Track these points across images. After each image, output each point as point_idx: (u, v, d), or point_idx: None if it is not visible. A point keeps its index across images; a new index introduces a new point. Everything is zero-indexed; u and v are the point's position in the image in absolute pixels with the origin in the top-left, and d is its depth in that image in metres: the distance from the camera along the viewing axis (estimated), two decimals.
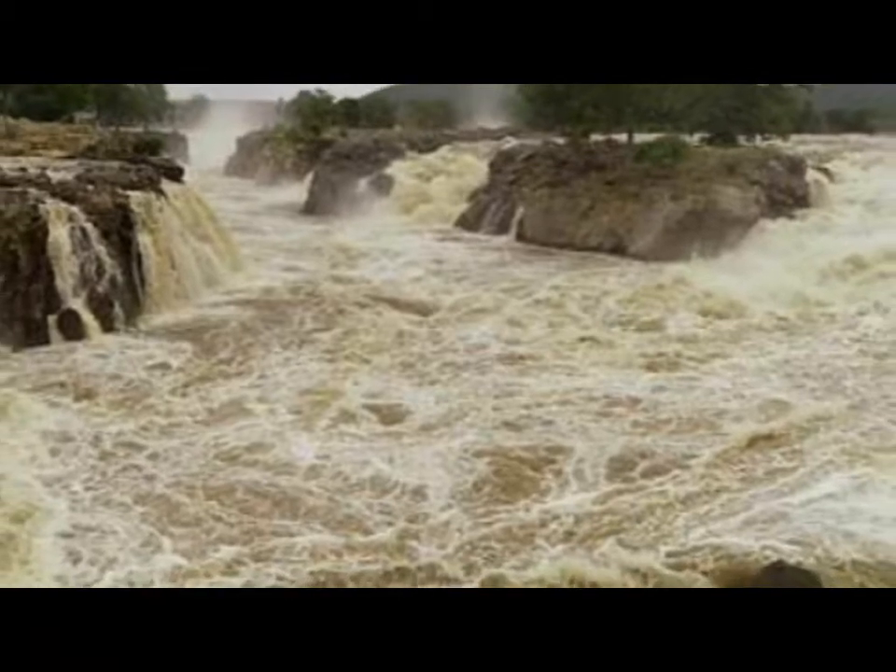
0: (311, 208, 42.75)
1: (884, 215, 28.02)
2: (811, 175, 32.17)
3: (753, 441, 12.82)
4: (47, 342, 17.57)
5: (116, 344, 17.84)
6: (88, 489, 11.16)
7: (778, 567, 8.84)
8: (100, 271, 18.98)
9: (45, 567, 9.10)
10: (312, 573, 9.10)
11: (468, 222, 36.05)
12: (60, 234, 18.32)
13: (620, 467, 12.04)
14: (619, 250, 29.98)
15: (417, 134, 52.05)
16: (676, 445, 12.79)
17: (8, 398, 13.75)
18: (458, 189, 39.44)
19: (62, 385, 15.11)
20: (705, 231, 27.70)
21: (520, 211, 33.81)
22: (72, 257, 18.43)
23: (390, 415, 14.04)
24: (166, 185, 23.20)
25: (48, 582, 8.81)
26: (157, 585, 8.84)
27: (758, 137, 39.39)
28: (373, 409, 14.24)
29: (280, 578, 8.97)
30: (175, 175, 25.08)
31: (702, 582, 8.89)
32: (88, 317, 18.24)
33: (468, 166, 41.01)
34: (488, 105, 74.02)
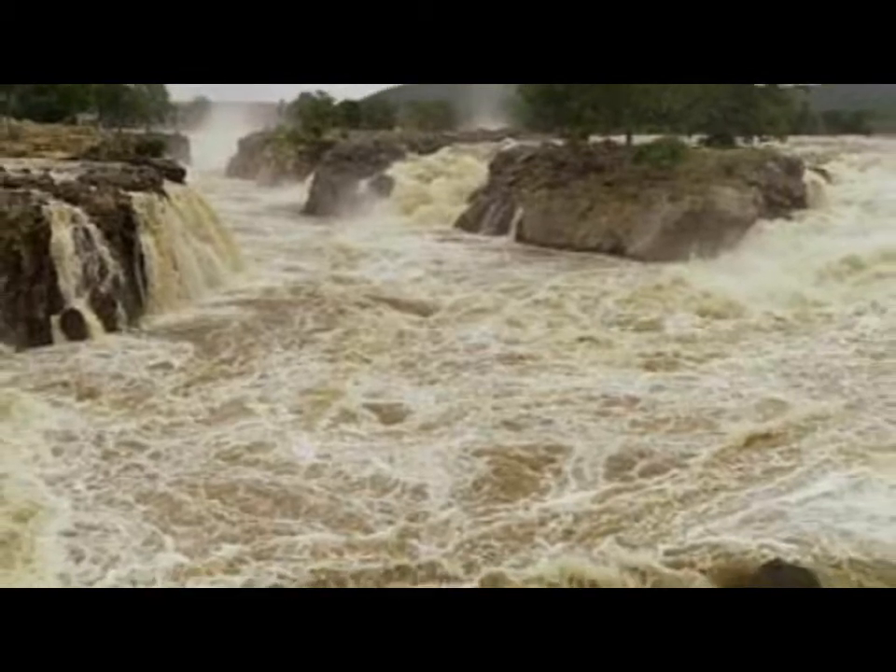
0: (312, 209, 42.76)
1: (881, 216, 28.02)
2: (808, 176, 32.17)
3: (751, 441, 12.82)
4: (50, 342, 17.57)
5: (118, 344, 17.84)
6: (90, 488, 11.16)
7: (776, 566, 8.84)
8: (103, 271, 18.99)
9: (48, 565, 9.10)
10: (313, 571, 9.10)
11: (467, 223, 36.05)
12: (63, 235, 18.32)
13: (618, 466, 12.04)
14: (617, 251, 29.98)
15: (417, 136, 52.04)
16: (674, 444, 12.80)
17: (11, 397, 13.76)
18: (458, 190, 39.43)
19: (64, 384, 15.11)
20: (703, 231, 27.70)
21: (519, 212, 33.81)
22: (75, 257, 18.44)
23: (390, 415, 14.04)
24: (168, 186, 23.20)
25: (50, 581, 8.81)
26: (159, 583, 8.84)
27: (756, 139, 39.42)
28: (374, 408, 14.24)
29: (281, 576, 8.97)
30: (177, 176, 25.09)
31: (700, 581, 8.88)
32: (90, 317, 18.25)
33: (467, 167, 41.00)
34: (488, 106, 74.01)
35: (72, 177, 21.27)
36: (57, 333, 17.74)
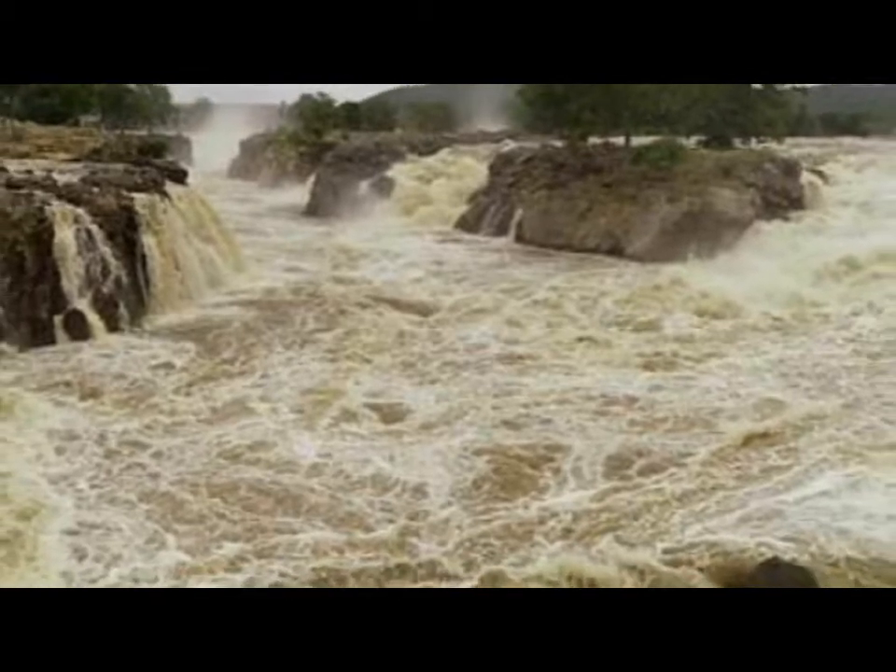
0: (313, 210, 42.75)
1: (877, 216, 28.02)
2: (806, 177, 32.17)
3: (749, 440, 12.82)
4: (52, 341, 17.57)
5: (121, 344, 17.84)
6: (93, 487, 11.16)
7: (773, 564, 8.84)
8: (105, 272, 18.99)
9: (51, 563, 9.10)
10: (314, 569, 9.10)
11: (467, 224, 36.04)
12: (65, 236, 18.32)
13: (617, 465, 12.04)
14: (616, 251, 29.97)
15: (418, 137, 52.04)
16: (672, 443, 12.79)
17: (15, 397, 13.76)
18: (458, 191, 39.42)
19: (67, 384, 15.11)
20: (701, 232, 27.69)
21: (519, 213, 33.80)
22: (77, 258, 18.44)
23: (391, 414, 14.03)
24: (170, 187, 23.20)
25: (54, 579, 8.81)
26: (161, 581, 8.84)
27: (753, 140, 39.39)
28: (374, 408, 14.24)
29: (283, 574, 8.97)
30: (179, 177, 25.08)
31: (698, 579, 8.88)
32: (93, 318, 18.26)
33: (467, 169, 40.98)
34: (488, 108, 74.07)
35: (75, 178, 21.28)
36: (60, 333, 17.75)
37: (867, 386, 15.47)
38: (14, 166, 23.45)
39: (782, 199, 30.38)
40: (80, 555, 9.34)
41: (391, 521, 10.38)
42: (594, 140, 37.16)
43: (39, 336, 17.43)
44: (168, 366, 16.47)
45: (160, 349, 17.57)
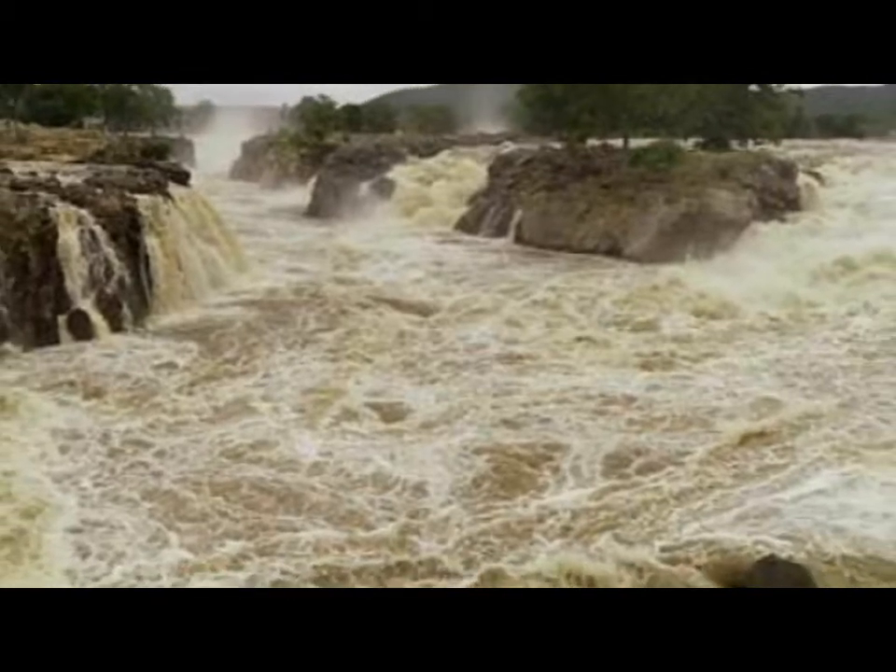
0: (314, 211, 42.74)
1: (873, 218, 28.03)
2: (802, 178, 32.19)
3: (745, 439, 12.82)
4: (56, 341, 17.57)
5: (124, 344, 17.84)
6: (96, 485, 11.16)
7: (770, 562, 8.84)
8: (108, 272, 18.99)
9: (55, 561, 9.10)
10: (315, 567, 9.10)
11: (467, 225, 36.03)
12: (69, 237, 18.32)
13: (615, 463, 12.04)
14: (614, 252, 29.95)
15: (418, 139, 52.06)
16: (670, 442, 12.79)
17: (19, 396, 13.75)
18: (458, 192, 39.41)
19: (71, 383, 15.11)
20: (698, 233, 27.68)
21: (518, 214, 33.79)
22: (81, 259, 18.44)
23: (391, 413, 14.03)
24: (173, 188, 23.19)
25: (57, 576, 8.81)
26: (164, 579, 8.84)
27: (750, 142, 39.41)
28: (375, 407, 14.24)
29: (284, 572, 8.97)
30: (182, 178, 25.08)
31: (696, 576, 8.88)
32: (97, 318, 18.26)
33: (467, 170, 40.98)
34: (487, 110, 74.07)
35: (78, 180, 21.29)
36: (64, 333, 17.75)
37: (863, 386, 15.47)
38: (18, 168, 23.48)
39: (779, 200, 30.39)
40: (84, 553, 9.35)
41: (392, 519, 10.38)
42: (592, 142, 37.19)
43: (43, 336, 17.43)
44: (171, 365, 16.47)
45: (162, 349, 17.56)
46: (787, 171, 31.83)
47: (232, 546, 9.55)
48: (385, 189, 40.89)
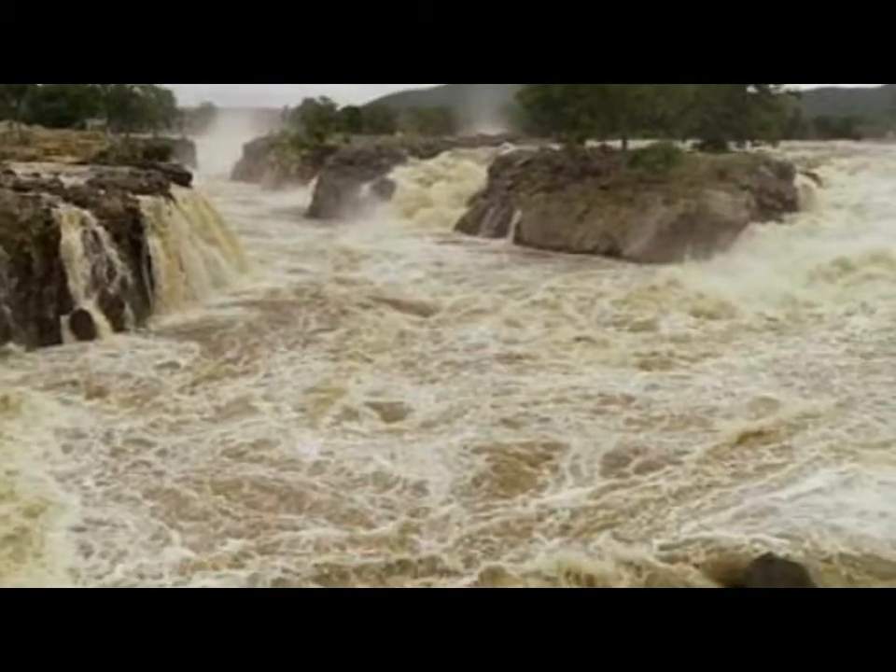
0: (315, 212, 42.73)
1: (870, 218, 28.03)
2: (800, 180, 32.17)
3: (743, 438, 12.82)
4: (59, 341, 17.58)
5: (126, 344, 17.84)
6: (99, 484, 11.16)
7: (768, 560, 8.84)
8: (111, 273, 19.00)
9: (58, 559, 9.10)
10: (316, 566, 9.09)
11: (467, 226, 36.03)
12: (72, 237, 18.33)
13: (614, 463, 12.04)
14: (613, 253, 29.95)
15: (418, 141, 52.01)
16: (668, 442, 12.79)
17: (22, 396, 13.75)
18: (458, 193, 39.42)
19: (74, 383, 15.11)
20: (696, 234, 27.68)
21: (517, 215, 33.78)
22: (84, 259, 18.44)
23: (392, 413, 14.03)
24: (175, 189, 23.19)
25: (60, 575, 8.81)
26: (166, 577, 8.84)
27: (748, 143, 39.37)
28: (376, 406, 14.24)
29: (285, 570, 8.97)
30: (184, 179, 25.07)
31: (694, 574, 8.88)
32: (99, 318, 18.27)
33: (467, 171, 40.99)
34: (487, 112, 73.99)
35: (81, 181, 21.29)
36: (66, 333, 17.76)
37: (860, 385, 15.47)
38: (21, 169, 23.46)
39: (776, 201, 30.38)
40: (87, 552, 9.35)
41: (392, 518, 10.38)
42: (591, 143, 37.16)
43: (46, 336, 17.44)
44: (173, 365, 16.47)
45: (165, 349, 17.57)
46: (784, 172, 31.83)
47: (234, 544, 9.55)
48: (386, 190, 40.90)
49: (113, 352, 17.22)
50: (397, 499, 10.94)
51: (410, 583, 8.86)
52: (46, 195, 19.07)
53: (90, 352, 17.12)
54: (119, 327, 18.65)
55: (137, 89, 55.41)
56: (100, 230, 18.99)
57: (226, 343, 18.12)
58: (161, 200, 21.58)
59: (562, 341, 18.41)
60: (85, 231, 18.69)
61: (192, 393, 14.86)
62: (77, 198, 19.46)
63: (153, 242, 20.41)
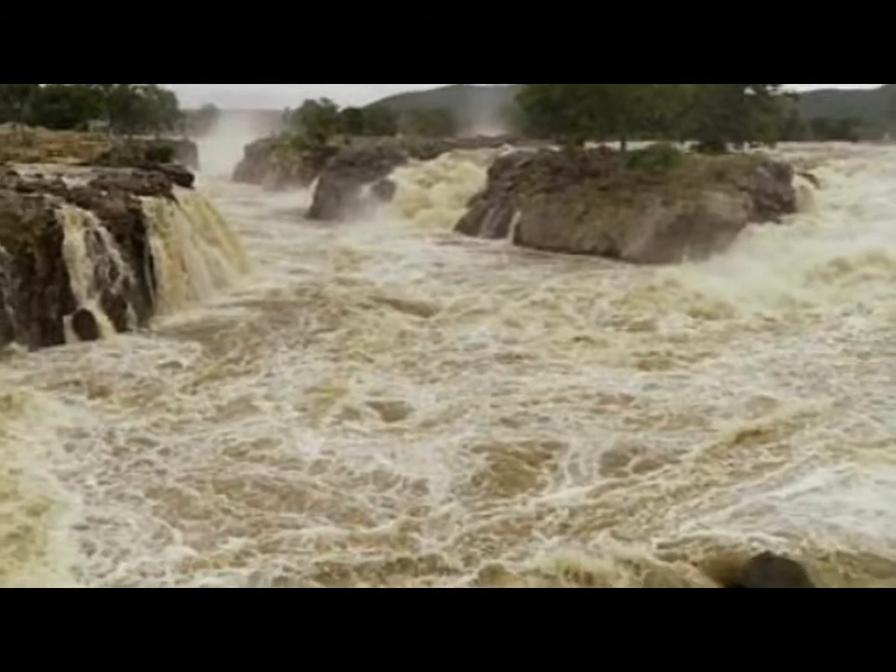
0: (316, 213, 42.73)
1: (867, 219, 28.04)
2: (797, 181, 32.19)
3: (741, 437, 12.81)
4: (62, 341, 17.57)
5: (129, 344, 17.84)
6: (102, 483, 11.15)
7: (766, 558, 8.84)
8: (113, 273, 19.00)
9: (60, 558, 9.10)
10: (317, 564, 9.09)
11: (467, 226, 36.03)
12: (75, 238, 18.32)
13: (613, 462, 12.04)
14: (612, 253, 29.95)
15: (418, 142, 52.02)
16: (667, 441, 12.79)
17: (25, 395, 13.74)
18: (458, 194, 39.42)
19: (76, 383, 15.11)
20: (695, 234, 27.68)
21: (517, 216, 33.78)
22: (86, 260, 18.44)
23: (392, 412, 14.03)
24: (177, 190, 23.19)
25: (63, 573, 8.81)
26: (168, 576, 8.84)
27: (746, 145, 39.41)
28: (376, 406, 14.23)
29: (287, 569, 8.96)
30: (186, 181, 25.07)
31: (692, 573, 8.88)
32: (102, 318, 18.26)
33: (467, 173, 41.00)
34: (487, 113, 74.07)
35: (84, 182, 21.28)
36: (69, 333, 17.75)
37: (857, 385, 15.47)
38: (24, 170, 23.47)
39: (774, 202, 30.40)
40: (89, 550, 9.34)
41: (392, 516, 10.38)
42: (590, 145, 37.17)
43: (49, 336, 17.44)
44: (175, 365, 16.46)
45: (166, 349, 17.56)
46: (782, 173, 31.84)
47: (235, 543, 9.55)
48: (386, 191, 40.91)
49: (115, 352, 17.22)
50: (397, 498, 10.94)
51: (410, 582, 8.86)
52: (49, 196, 19.06)
53: (92, 352, 17.11)
54: (121, 327, 18.65)
55: (140, 90, 55.46)
56: (102, 230, 18.99)
57: (227, 343, 18.12)
58: (164, 201, 21.58)
59: (561, 341, 18.41)
60: (88, 232, 18.69)
61: (194, 392, 14.85)
62: (79, 199, 19.46)
63: (155, 242, 20.41)
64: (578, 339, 18.55)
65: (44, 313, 17.51)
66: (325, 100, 65.24)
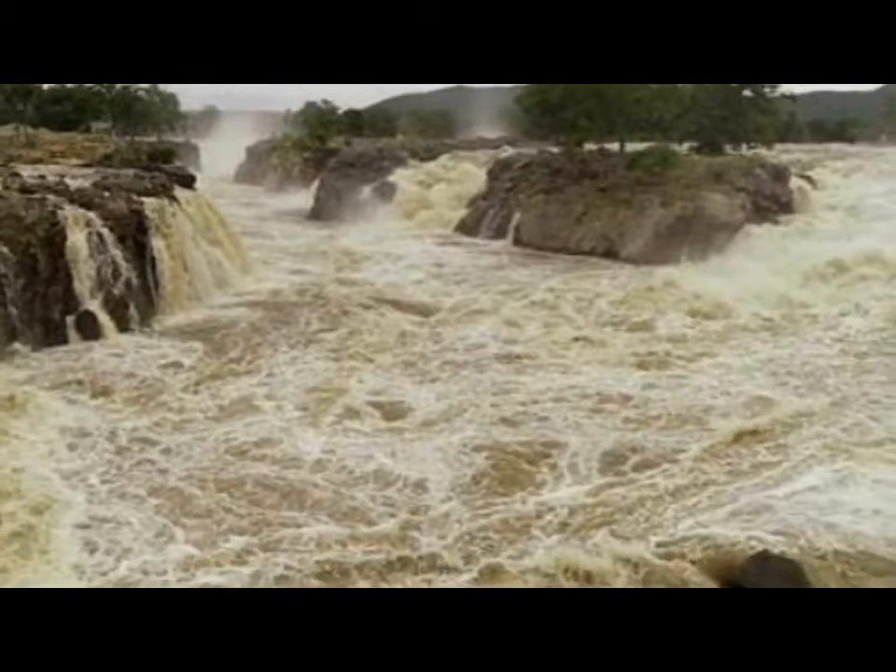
0: (317, 214, 42.74)
1: (864, 220, 28.02)
2: (795, 182, 32.18)
3: (739, 437, 12.81)
4: (65, 341, 17.58)
5: (131, 344, 17.84)
6: (104, 482, 11.16)
7: (763, 557, 8.84)
8: (116, 274, 19.00)
9: (63, 556, 9.10)
10: (318, 562, 9.09)
11: (467, 227, 36.04)
12: (77, 239, 18.33)
13: (612, 461, 12.04)
14: (611, 254, 29.95)
15: (418, 143, 52.02)
16: (665, 440, 12.79)
17: (28, 395, 13.75)
18: (458, 195, 39.42)
19: (79, 382, 15.11)
20: (693, 235, 27.68)
21: (516, 217, 33.79)
22: (89, 260, 18.44)
23: (393, 412, 14.03)
24: (179, 192, 23.19)
25: (66, 571, 8.81)
26: (170, 574, 8.84)
27: (744, 146, 39.40)
28: (377, 405, 14.23)
29: (288, 567, 8.97)
30: (188, 182, 25.07)
31: (690, 571, 8.88)
32: (104, 318, 18.27)
33: (467, 174, 41.00)
34: (486, 115, 74.10)
35: (86, 183, 21.29)
36: (72, 333, 17.76)
37: (854, 385, 15.47)
38: (28, 171, 23.48)
39: (772, 203, 30.39)
40: (91, 549, 9.34)
41: (393, 515, 10.38)
42: (589, 146, 37.17)
43: (52, 336, 17.44)
44: (177, 365, 16.47)
45: (168, 349, 17.56)
46: (780, 174, 31.83)
47: (237, 541, 9.55)
48: (387, 192, 40.92)
49: (118, 352, 17.22)
50: (397, 497, 10.94)
51: (410, 580, 8.86)
52: (51, 197, 19.06)
53: (95, 352, 17.11)
54: (123, 327, 18.66)
55: (142, 92, 55.52)
56: (105, 231, 18.99)
57: (229, 343, 18.12)
58: (166, 202, 21.58)
59: (560, 341, 18.41)
60: (90, 233, 18.69)
61: (196, 392, 14.85)
62: (82, 200, 19.46)
63: (157, 243, 20.41)
64: (577, 339, 18.55)
65: (47, 313, 17.52)
66: (326, 101, 65.34)
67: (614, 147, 35.61)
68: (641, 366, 16.65)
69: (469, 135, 67.55)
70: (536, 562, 9.00)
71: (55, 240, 17.92)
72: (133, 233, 19.87)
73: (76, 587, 8.43)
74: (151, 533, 9.76)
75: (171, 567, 8.97)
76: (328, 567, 9.01)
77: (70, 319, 17.81)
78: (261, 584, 8.64)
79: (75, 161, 30.72)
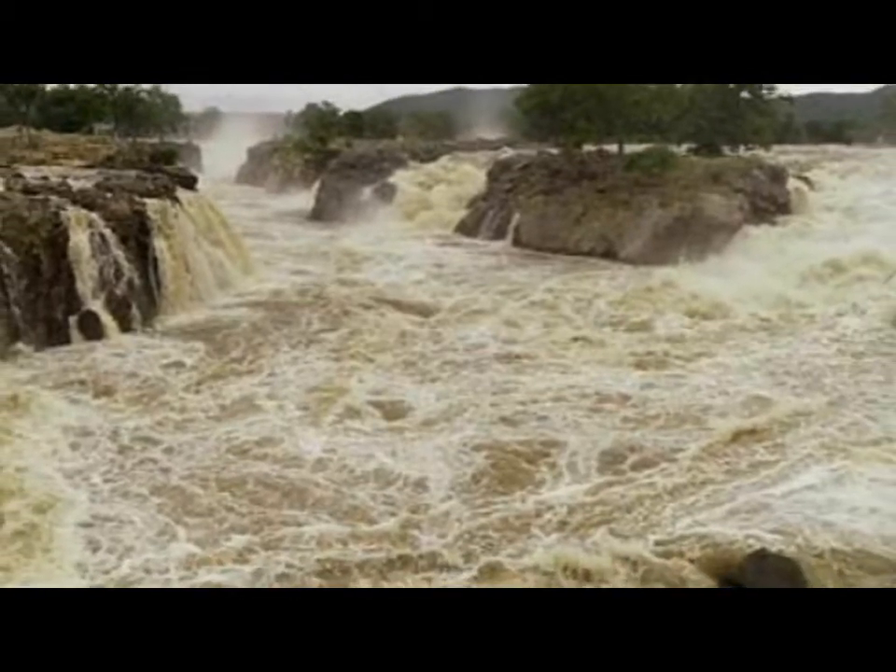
0: (318, 215, 42.75)
1: (861, 221, 28.00)
2: (792, 183, 32.15)
3: (737, 436, 12.81)
4: (68, 341, 17.57)
5: (133, 344, 17.84)
6: (107, 481, 11.16)
7: (761, 555, 8.84)
8: (118, 274, 19.00)
9: (66, 555, 9.10)
10: (319, 561, 9.09)
11: (467, 228, 36.04)
12: (80, 239, 18.32)
13: (611, 460, 12.04)
14: (610, 255, 29.96)
15: (419, 145, 52.03)
16: (664, 439, 12.79)
17: (31, 395, 13.74)
18: (458, 196, 39.42)
19: (82, 382, 15.10)
20: (691, 236, 27.69)
21: (516, 217, 33.78)
22: (91, 261, 18.44)
23: (393, 411, 14.02)
24: (181, 193, 23.18)
25: (68, 570, 8.81)
26: (172, 572, 8.84)
27: (741, 147, 39.38)
28: (377, 405, 14.23)
29: (289, 565, 8.97)
30: (189, 183, 25.07)
31: (689, 569, 8.88)
32: (107, 318, 18.26)
33: (467, 175, 41.00)
34: (486, 116, 74.13)
35: (89, 184, 21.29)
36: (75, 333, 17.75)
37: (851, 384, 15.47)
38: (30, 172, 23.49)
39: (769, 204, 30.38)
40: (94, 547, 9.34)
41: (393, 514, 10.38)
42: (588, 147, 37.17)
43: (55, 336, 17.44)
44: (179, 365, 16.46)
45: (171, 349, 17.56)
46: (777, 175, 31.82)
47: (238, 540, 9.55)
48: (387, 193, 40.92)
49: (120, 352, 17.22)
50: (398, 496, 10.94)
51: (410, 578, 8.86)
52: (54, 198, 19.06)
53: (97, 352, 17.11)
54: (126, 327, 18.65)
55: (144, 94, 55.52)
56: (107, 232, 18.99)
57: (231, 343, 18.12)
58: (168, 203, 21.57)
59: (560, 341, 18.41)
60: (93, 234, 18.69)
61: (198, 392, 14.85)
62: (84, 201, 19.46)
63: (159, 244, 20.40)
64: (576, 339, 18.55)
65: (50, 313, 17.51)
66: (326, 103, 65.40)
67: (613, 148, 35.61)
68: (640, 366, 16.65)
69: (469, 137, 67.56)
70: (535, 560, 9.00)
71: (58, 240, 17.91)
72: (136, 234, 19.87)
73: (78, 587, 8.43)
74: (153, 531, 9.76)
75: (173, 565, 8.97)
76: (328, 566, 9.01)
77: (73, 319, 17.81)
78: (263, 582, 8.64)
79: (77, 162, 30.73)
